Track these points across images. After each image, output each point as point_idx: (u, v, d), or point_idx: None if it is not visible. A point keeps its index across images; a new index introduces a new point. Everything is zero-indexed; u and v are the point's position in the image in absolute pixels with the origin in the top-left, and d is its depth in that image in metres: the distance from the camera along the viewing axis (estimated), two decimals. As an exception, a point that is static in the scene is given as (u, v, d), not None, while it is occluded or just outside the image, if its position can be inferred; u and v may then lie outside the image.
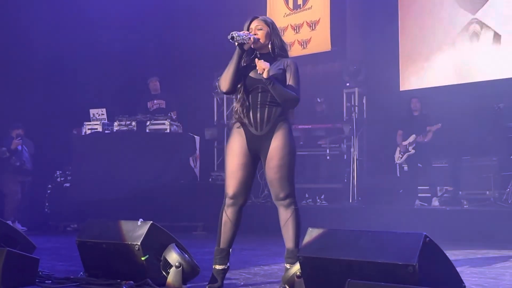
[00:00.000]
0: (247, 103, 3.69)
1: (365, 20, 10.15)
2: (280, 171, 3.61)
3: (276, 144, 3.62)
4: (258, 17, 3.80)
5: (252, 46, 3.70)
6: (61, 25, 10.03)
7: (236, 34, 3.58)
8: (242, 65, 3.73)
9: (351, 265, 2.77)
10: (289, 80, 3.69)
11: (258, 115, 3.66)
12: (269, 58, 3.73)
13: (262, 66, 3.54)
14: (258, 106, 3.66)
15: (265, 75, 3.54)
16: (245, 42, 3.63)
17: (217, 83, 3.81)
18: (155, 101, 9.51)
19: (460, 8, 9.11)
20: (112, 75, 10.63)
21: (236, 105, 3.75)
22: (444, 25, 9.25)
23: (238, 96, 3.73)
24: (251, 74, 3.70)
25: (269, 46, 3.74)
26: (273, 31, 3.77)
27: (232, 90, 3.72)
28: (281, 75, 3.68)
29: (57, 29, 9.99)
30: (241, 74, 3.71)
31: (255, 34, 3.71)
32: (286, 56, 3.81)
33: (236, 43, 3.61)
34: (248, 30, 3.76)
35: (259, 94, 3.67)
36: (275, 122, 3.65)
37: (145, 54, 10.77)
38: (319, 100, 9.65)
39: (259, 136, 3.66)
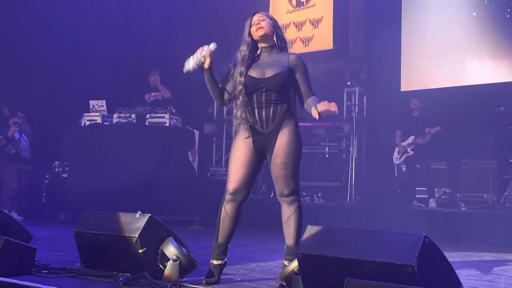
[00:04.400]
0: (250, 106, 3.64)
1: (368, 20, 10.14)
2: (286, 168, 3.59)
3: (282, 141, 3.60)
4: (258, 12, 3.77)
5: (254, 37, 3.67)
6: (63, 16, 9.99)
7: (187, 67, 3.52)
8: (246, 63, 3.66)
9: (350, 264, 2.77)
10: (303, 82, 3.67)
11: (264, 113, 3.63)
12: (274, 51, 3.71)
13: (331, 109, 3.46)
14: (264, 105, 3.63)
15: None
16: (202, 61, 3.56)
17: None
18: (153, 94, 9.45)
19: (463, 9, 9.10)
20: (113, 67, 10.59)
21: (239, 110, 3.66)
22: (447, 26, 9.23)
23: (241, 99, 3.65)
24: (253, 74, 3.65)
25: (274, 38, 3.71)
26: (275, 24, 3.75)
27: (226, 102, 3.75)
28: (286, 73, 3.63)
29: (59, 19, 9.94)
30: (221, 89, 3.70)
31: (258, 24, 3.66)
32: (286, 48, 3.77)
33: (196, 69, 3.56)
34: (250, 25, 3.72)
35: (264, 94, 3.63)
36: (281, 119, 3.63)
37: (147, 46, 10.73)
38: None
39: (265, 134, 3.63)
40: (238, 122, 3.68)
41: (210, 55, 3.59)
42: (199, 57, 3.55)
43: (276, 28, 3.75)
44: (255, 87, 3.64)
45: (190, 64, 3.53)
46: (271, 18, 3.77)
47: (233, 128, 3.84)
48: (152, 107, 8.99)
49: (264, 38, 3.69)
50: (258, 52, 3.73)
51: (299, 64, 3.68)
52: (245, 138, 3.66)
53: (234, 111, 3.74)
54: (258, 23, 3.68)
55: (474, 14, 9.01)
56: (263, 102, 3.63)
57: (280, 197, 3.66)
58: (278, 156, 3.59)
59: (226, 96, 3.74)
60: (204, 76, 3.64)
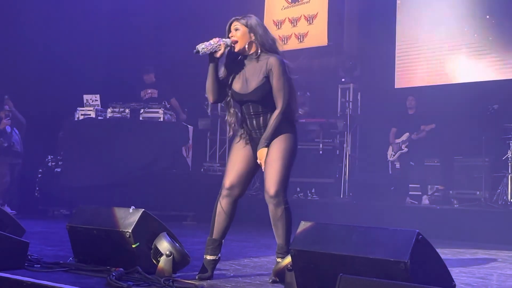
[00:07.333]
0: (240, 115, 3.73)
1: (362, 16, 10.14)
2: (273, 164, 3.58)
3: (273, 143, 3.62)
4: (238, 18, 3.67)
5: (234, 50, 3.63)
6: (58, 10, 9.95)
7: (201, 47, 3.50)
8: (224, 74, 3.68)
9: (343, 260, 2.78)
10: (274, 87, 3.58)
11: (254, 122, 3.68)
12: (253, 60, 3.64)
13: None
14: (253, 116, 3.68)
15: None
16: (215, 50, 3.54)
17: (206, 95, 3.77)
18: (149, 91, 9.43)
19: (459, 7, 9.10)
20: (107, 62, 10.56)
21: (229, 119, 3.76)
22: (442, 23, 9.24)
23: (231, 111, 3.74)
24: (237, 87, 3.66)
25: (246, 47, 3.63)
26: (251, 29, 3.63)
27: (219, 100, 3.75)
28: (267, 83, 3.58)
29: (53, 14, 9.91)
30: (225, 83, 3.69)
31: (232, 36, 3.62)
32: (273, 50, 3.66)
33: (207, 54, 3.54)
34: (229, 32, 3.66)
35: (250, 105, 3.67)
36: None
37: (142, 41, 10.70)
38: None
39: (259, 138, 3.67)
40: (232, 128, 3.76)
41: (225, 47, 3.58)
42: (215, 45, 3.54)
43: (255, 32, 3.62)
44: (240, 101, 3.70)
45: (202, 47, 3.51)
46: (247, 24, 3.62)
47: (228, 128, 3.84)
48: (146, 103, 8.95)
49: (243, 50, 3.64)
50: (239, 58, 3.71)
51: (273, 69, 3.57)
52: (243, 138, 3.72)
53: (227, 117, 3.78)
54: (233, 35, 3.62)
55: (469, 12, 9.01)
56: (252, 113, 3.68)
57: (266, 198, 3.63)
58: (268, 155, 3.60)
59: (222, 94, 3.71)
60: (210, 65, 3.60)
